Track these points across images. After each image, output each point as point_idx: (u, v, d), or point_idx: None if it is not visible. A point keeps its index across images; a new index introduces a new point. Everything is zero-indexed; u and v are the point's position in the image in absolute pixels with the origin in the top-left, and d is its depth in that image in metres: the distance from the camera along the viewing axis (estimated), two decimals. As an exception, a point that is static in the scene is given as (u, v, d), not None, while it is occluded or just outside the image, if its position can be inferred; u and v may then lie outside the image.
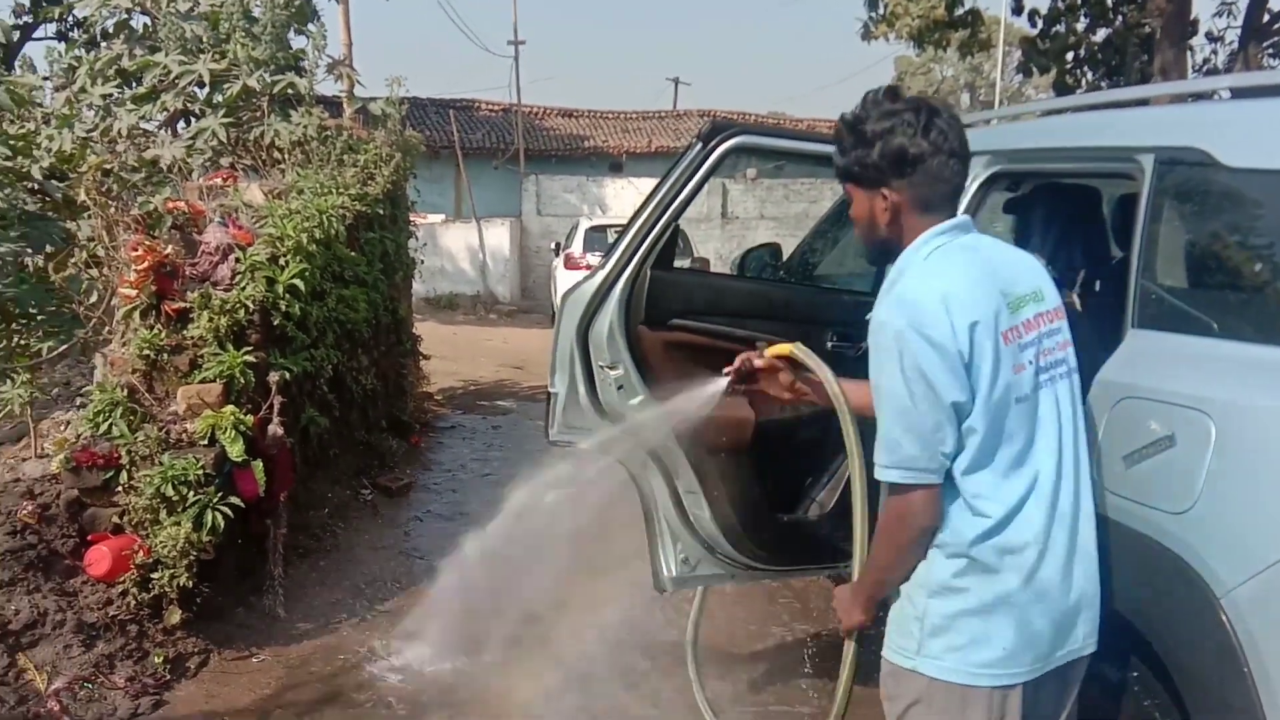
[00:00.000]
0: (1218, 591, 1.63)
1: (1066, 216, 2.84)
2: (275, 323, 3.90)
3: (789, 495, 3.07)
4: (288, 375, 3.86)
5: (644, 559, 2.91)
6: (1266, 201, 1.87)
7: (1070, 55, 16.45)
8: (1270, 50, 14.78)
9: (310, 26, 6.66)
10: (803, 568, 3.18)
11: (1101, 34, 15.92)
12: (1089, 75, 16.69)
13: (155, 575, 3.21)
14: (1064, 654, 1.68)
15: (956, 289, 1.59)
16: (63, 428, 4.80)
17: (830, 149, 1.84)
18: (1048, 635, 1.64)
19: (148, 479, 3.24)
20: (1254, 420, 1.66)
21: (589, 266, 12.35)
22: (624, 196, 18.77)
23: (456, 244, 17.48)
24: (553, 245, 15.78)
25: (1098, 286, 2.72)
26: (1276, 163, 1.85)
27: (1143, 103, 2.63)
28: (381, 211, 5.74)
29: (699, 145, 2.66)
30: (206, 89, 6.10)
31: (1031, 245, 2.80)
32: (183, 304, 3.67)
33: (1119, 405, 1.93)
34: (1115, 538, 1.86)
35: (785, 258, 4.20)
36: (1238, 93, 2.27)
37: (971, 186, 2.87)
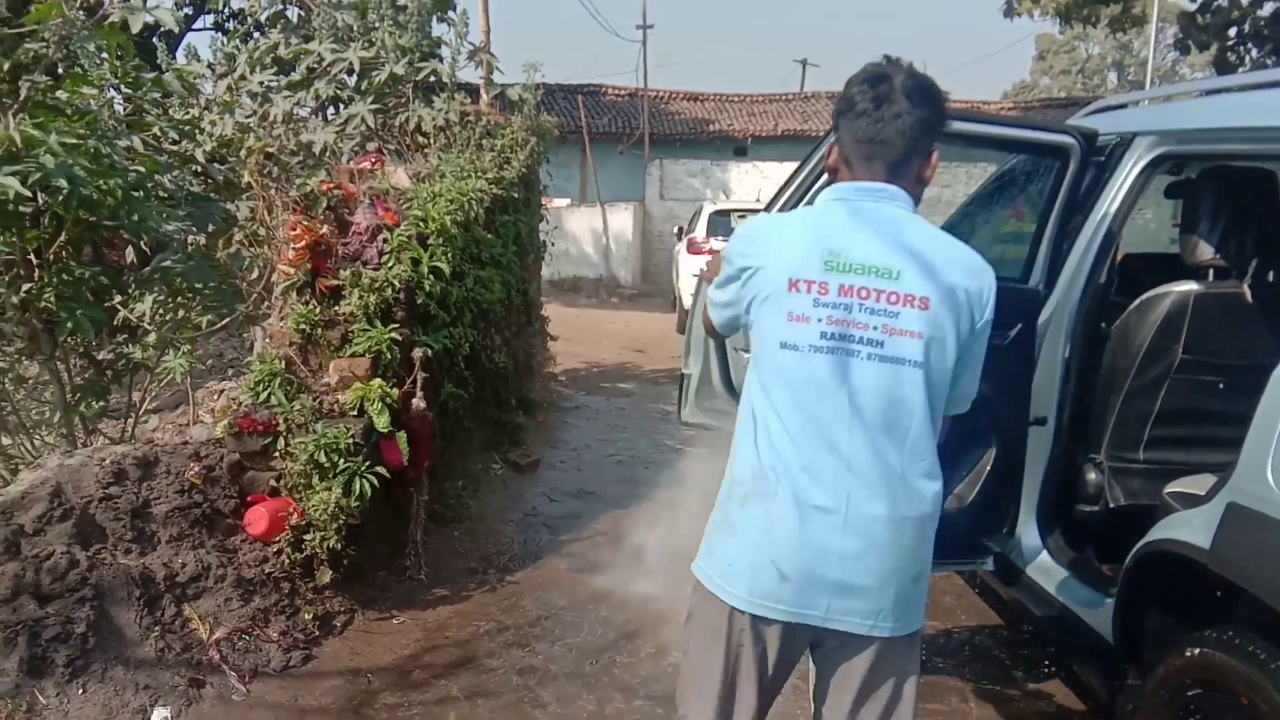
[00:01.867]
0: None
1: (1238, 202, 2.67)
2: (419, 301, 4.06)
3: None
4: (429, 352, 4.01)
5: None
6: None
7: (1233, 31, 15.39)
8: None
9: (452, 14, 6.86)
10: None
11: (1268, 8, 14.82)
12: (1253, 52, 15.58)
13: (308, 537, 3.40)
14: (823, 616, 1.68)
15: (777, 228, 1.76)
16: (216, 396, 5.14)
17: (1029, 133, 1.75)
18: (800, 590, 1.68)
19: (302, 446, 3.43)
20: None
21: (712, 251, 12.32)
22: (748, 181, 18.62)
23: (580, 228, 17.73)
24: (675, 230, 15.79)
25: (1271, 276, 2.56)
26: None
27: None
28: (516, 195, 5.88)
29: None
30: (356, 76, 6.37)
31: (1199, 231, 2.66)
32: (336, 281, 3.86)
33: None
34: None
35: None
36: None
37: (1134, 169, 2.75)
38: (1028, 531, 2.94)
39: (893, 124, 1.68)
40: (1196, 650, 2.03)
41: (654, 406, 7.56)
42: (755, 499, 1.71)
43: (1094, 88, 40.90)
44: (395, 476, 3.72)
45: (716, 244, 11.94)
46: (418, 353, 3.88)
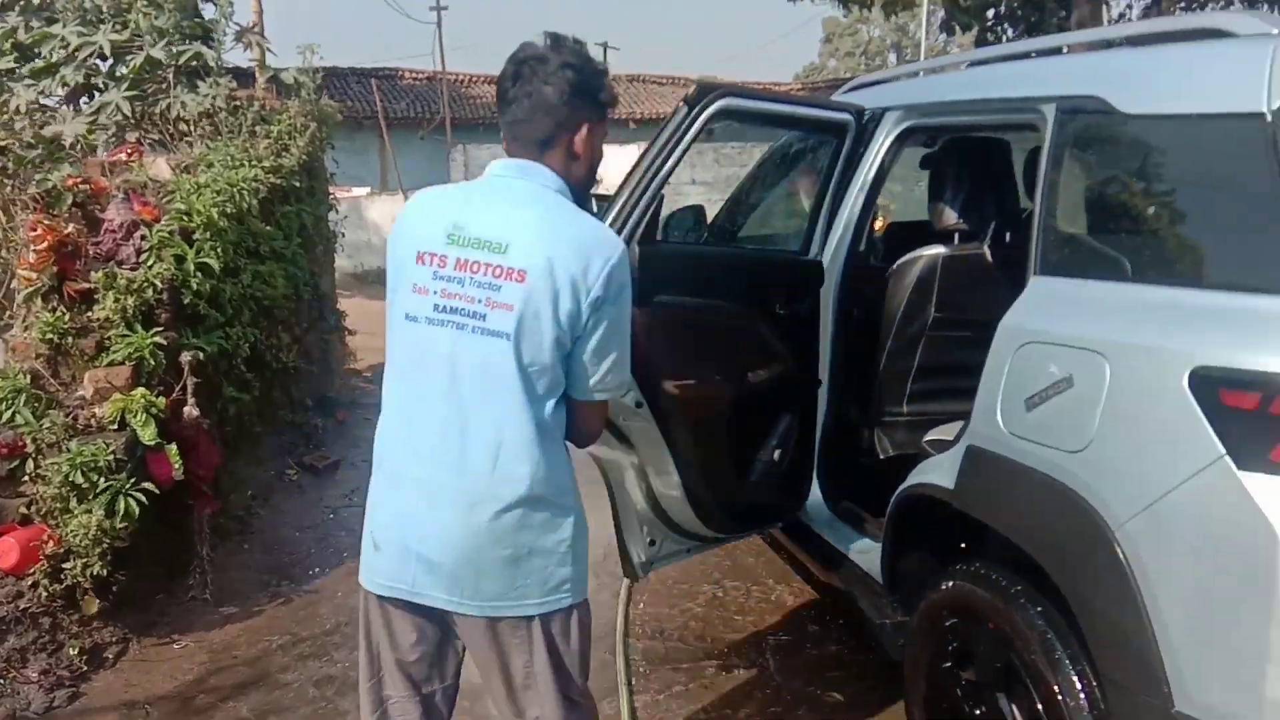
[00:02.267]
0: (1112, 524, 1.69)
1: (977, 170, 2.88)
2: (186, 301, 3.78)
3: (744, 461, 3.02)
4: (201, 355, 3.75)
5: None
6: (1160, 147, 1.92)
7: (990, 12, 16.68)
8: (1182, 3, 15.19)
9: (216, -8, 6.41)
10: (752, 530, 3.19)
11: (1022, -9, 16.16)
12: (1010, 32, 16.95)
13: (67, 565, 3.11)
14: (410, 590, 1.70)
15: (419, 204, 1.77)
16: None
17: (816, 111, 1.80)
18: (384, 557, 1.72)
19: (55, 467, 3.13)
20: (1144, 358, 1.71)
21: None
22: (554, 165, 18.58)
23: (383, 217, 17.10)
24: (482, 217, 15.55)
25: (1008, 238, 2.77)
26: (1170, 108, 1.89)
27: (1055, 52, 2.67)
28: (298, 184, 5.59)
29: (685, 109, 2.53)
30: (109, 61, 5.85)
31: (945, 199, 2.85)
32: (86, 285, 3.54)
33: (1021, 350, 1.97)
34: (1019, 479, 1.91)
35: (709, 220, 4.20)
36: (1134, 41, 2.31)
37: (885, 142, 2.91)
38: (811, 489, 3.08)
39: (525, 102, 1.69)
40: (950, 584, 2.18)
41: (463, 397, 7.42)
42: (374, 474, 1.76)
43: (876, 68, 43.45)
44: (171, 491, 3.46)
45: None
46: (186, 357, 3.62)
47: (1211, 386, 1.56)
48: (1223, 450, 1.53)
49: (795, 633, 3.42)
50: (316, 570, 3.99)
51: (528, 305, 1.61)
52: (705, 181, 19.35)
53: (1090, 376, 1.78)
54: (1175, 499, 1.59)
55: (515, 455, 1.65)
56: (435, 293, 1.65)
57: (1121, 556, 1.66)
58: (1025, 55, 2.56)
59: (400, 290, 1.70)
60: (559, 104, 1.69)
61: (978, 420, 2.06)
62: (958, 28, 17.49)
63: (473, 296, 1.63)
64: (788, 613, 3.59)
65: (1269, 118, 1.65)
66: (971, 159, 2.90)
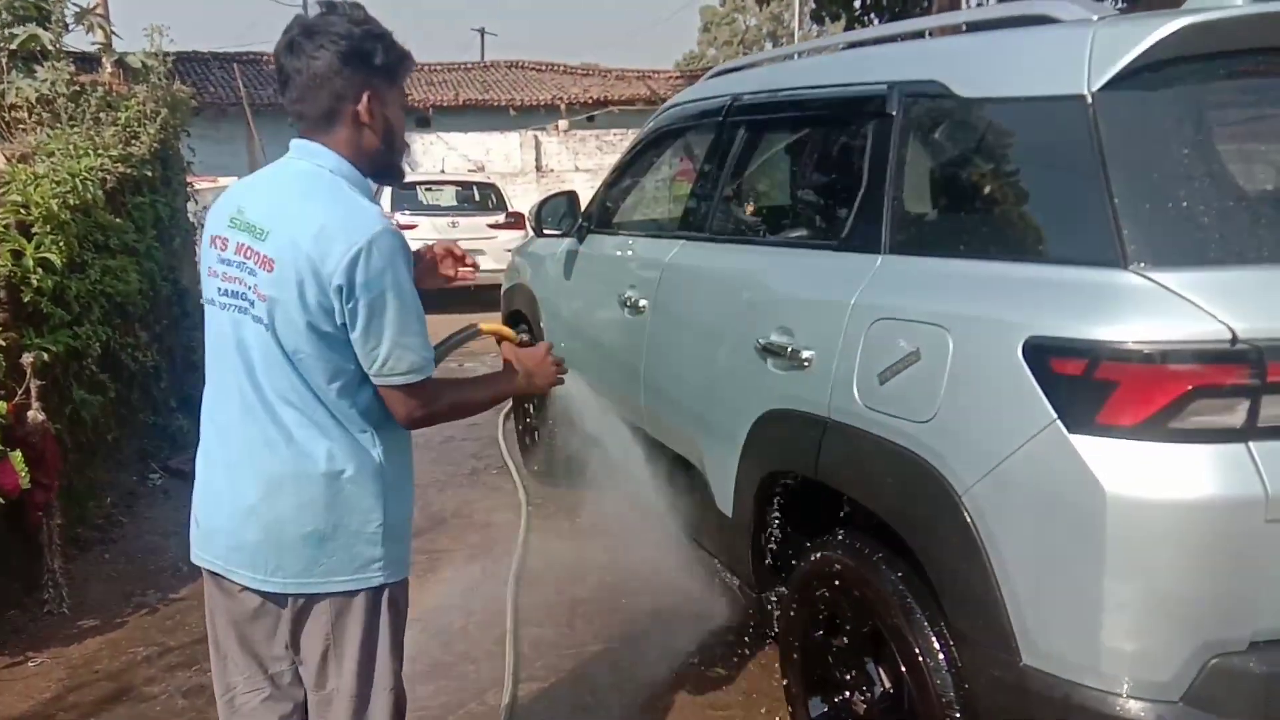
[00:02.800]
0: (959, 489, 1.77)
1: (820, 154, 2.96)
2: (26, 299, 3.54)
3: None
4: (46, 356, 3.52)
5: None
6: (994, 129, 2.01)
7: (858, 2, 17.16)
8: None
9: (53, -29, 6.00)
10: None
11: (887, -20, 16.65)
12: (876, 21, 17.49)
13: (-100, 585, 2.89)
14: (224, 566, 1.74)
15: (227, 189, 1.80)
16: None
17: None
18: (201, 533, 1.78)
19: (-119, 481, 2.90)
20: (983, 330, 1.80)
21: (400, 226, 11.92)
22: (433, 152, 18.24)
23: (254, 208, 16.47)
24: (360, 205, 15.11)
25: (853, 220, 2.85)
26: (1003, 91, 1.99)
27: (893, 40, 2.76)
28: (150, 173, 5.30)
29: None
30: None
31: (795, 182, 2.92)
32: (-90, 283, 3.28)
33: (873, 327, 2.05)
34: (874, 451, 1.99)
35: (583, 206, 4.21)
36: (973, 26, 2.42)
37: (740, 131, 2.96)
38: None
39: (298, 79, 1.65)
40: (817, 554, 2.26)
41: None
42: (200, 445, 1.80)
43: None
44: (18, 502, 3.24)
45: (402, 218, 11.58)
46: (28, 358, 3.39)
47: (1043, 355, 1.66)
48: (1054, 415, 1.63)
49: (681, 611, 3.47)
50: (184, 576, 3.81)
51: (277, 293, 1.59)
52: (588, 169, 19.35)
53: (935, 349, 1.87)
54: (1014, 463, 1.69)
55: (309, 436, 1.66)
56: (219, 276, 1.67)
57: (968, 519, 1.75)
58: (891, 39, 2.64)
59: (202, 274, 1.74)
60: (331, 75, 1.63)
61: (836, 396, 2.13)
62: (827, 18, 17.90)
63: (243, 280, 1.63)
64: (673, 592, 3.65)
65: (1089, 99, 1.75)
66: (814, 144, 2.96)
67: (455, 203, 13.33)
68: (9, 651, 3.17)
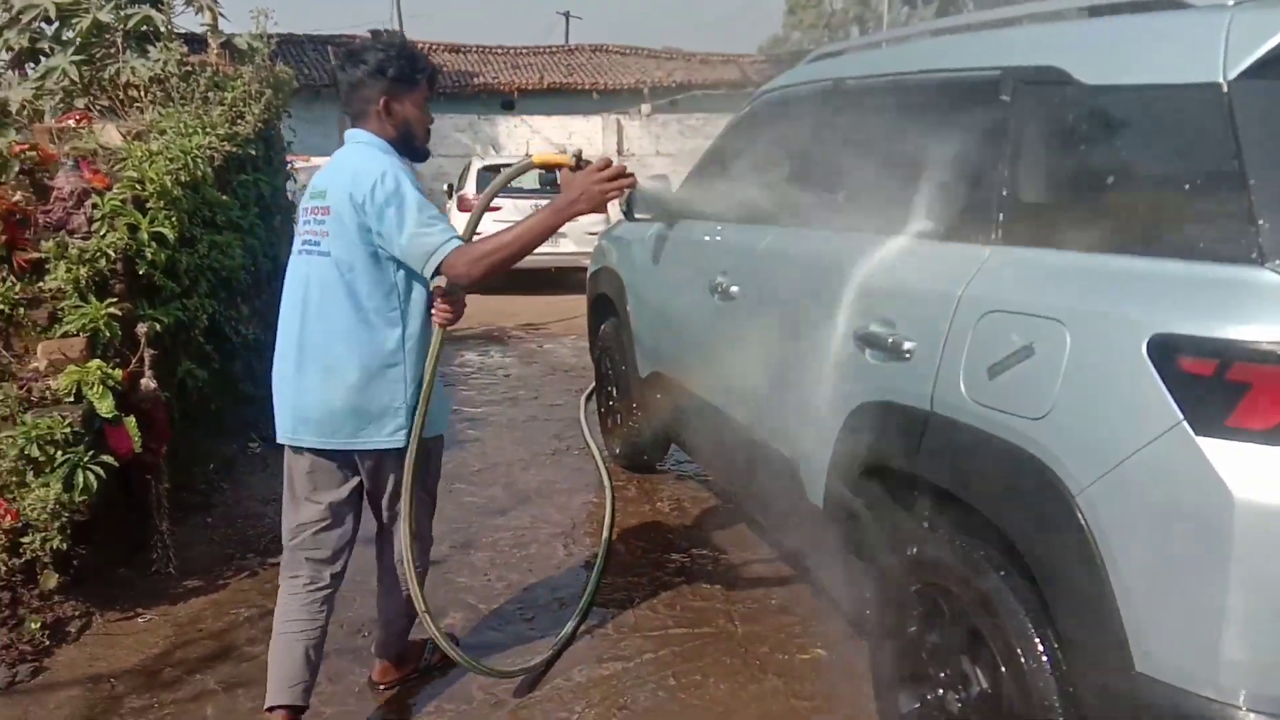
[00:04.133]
0: (1073, 490, 1.72)
1: (926, 141, 2.88)
2: (141, 272, 3.70)
3: None
4: (158, 326, 3.68)
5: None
6: (1119, 117, 1.94)
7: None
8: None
9: (166, -46, 6.22)
10: None
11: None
12: (970, 4, 17.02)
13: (25, 539, 3.05)
14: (292, 436, 2.48)
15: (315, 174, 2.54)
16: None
17: None
18: (281, 417, 2.49)
19: (10, 440, 3.06)
20: (1104, 326, 1.74)
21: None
22: (517, 135, 18.40)
23: (343, 188, 16.85)
24: (445, 187, 15.37)
25: (960, 210, 2.79)
26: (1131, 79, 1.92)
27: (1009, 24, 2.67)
28: (254, 152, 5.47)
29: None
30: (55, 24, 5.67)
31: (898, 169, 2.84)
32: (37, 254, 3.45)
33: (983, 320, 2.00)
34: (980, 446, 1.95)
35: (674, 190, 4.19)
36: (1094, 11, 2.33)
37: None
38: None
39: (341, 90, 2.48)
40: (913, 549, 2.23)
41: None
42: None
43: (839, 41, 43.45)
44: (130, 465, 3.40)
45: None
46: (143, 328, 3.55)
47: (1170, 354, 1.60)
48: (1180, 416, 1.57)
49: (765, 600, 3.47)
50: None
51: (334, 229, 2.33)
52: (669, 153, 19.30)
53: (1050, 344, 1.81)
54: (1134, 464, 1.63)
55: (347, 338, 2.36)
56: (301, 235, 2.44)
57: (1082, 521, 1.70)
58: (994, 25, 2.56)
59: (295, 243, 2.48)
60: (358, 85, 2.42)
61: (939, 390, 2.09)
62: (919, 1, 17.51)
63: (314, 231, 2.38)
64: (754, 580, 3.64)
65: (1225, 88, 1.67)
66: (922, 129, 2.89)
67: (538, 185, 13.45)
68: (120, 607, 3.33)
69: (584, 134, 18.97)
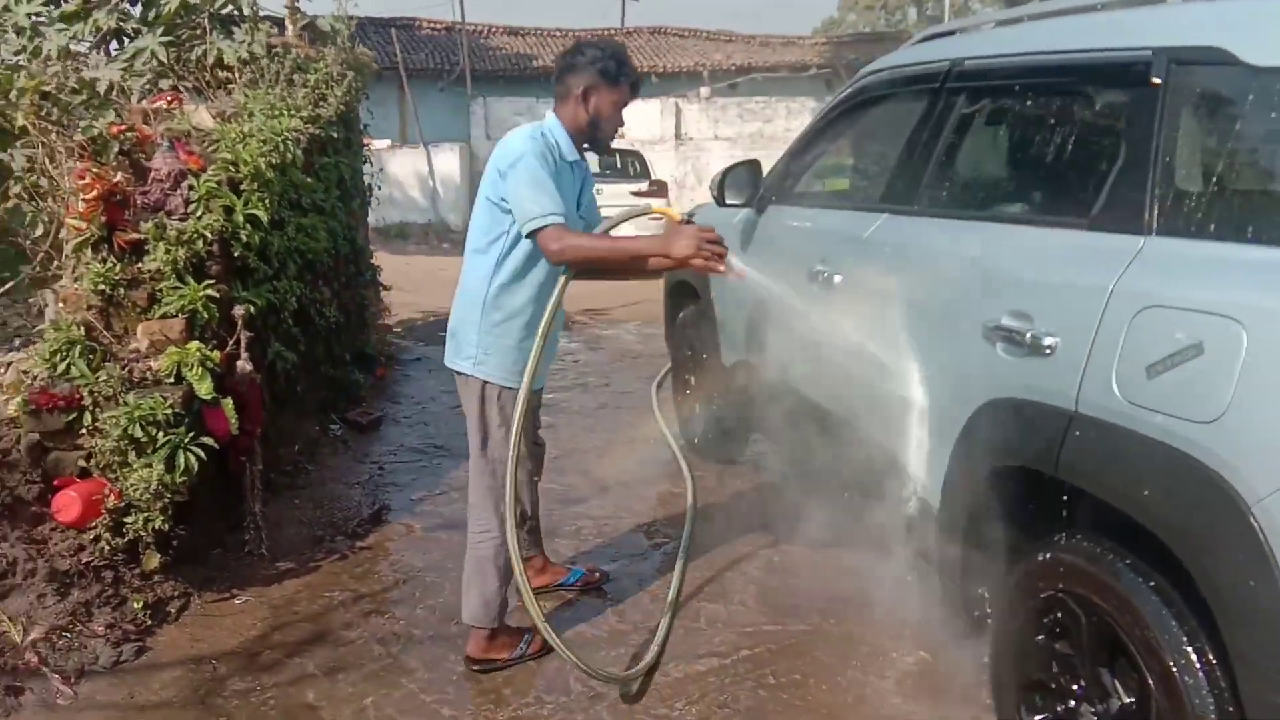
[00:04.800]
0: (1248, 499, 1.62)
1: (1061, 125, 2.76)
2: (236, 254, 3.71)
3: None
4: (252, 309, 3.69)
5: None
6: (1290, 101, 1.81)
7: (1024, -34, 16.28)
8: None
9: (247, -64, 6.25)
10: None
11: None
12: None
13: (128, 519, 3.08)
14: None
15: None
16: (3, 370, 4.57)
17: None
18: None
19: (113, 420, 3.09)
20: (1288, 326, 1.62)
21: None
22: (576, 118, 18.30)
23: (404, 170, 16.97)
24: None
25: (1106, 198, 2.66)
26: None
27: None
28: (336, 135, 5.48)
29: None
30: (140, 6, 5.72)
31: (1028, 155, 2.72)
32: (136, 235, 3.47)
33: (1140, 316, 1.89)
34: (1138, 450, 1.84)
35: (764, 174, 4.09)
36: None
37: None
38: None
39: (556, 73, 2.80)
40: (1048, 554, 2.13)
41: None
42: None
43: (896, 23, 42.68)
44: (224, 446, 3.42)
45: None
46: (239, 310, 3.56)
47: (1369, 356, 1.48)
48: (1378, 424, 1.46)
49: (855, 598, 3.38)
50: (369, 526, 3.97)
51: (483, 183, 2.75)
52: (728, 137, 19.10)
53: (1223, 343, 1.70)
54: (1321, 474, 1.52)
55: (467, 271, 2.81)
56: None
57: (1259, 533, 1.60)
58: (1136, 2, 2.43)
59: None
60: (565, 71, 2.76)
61: (1087, 389, 1.99)
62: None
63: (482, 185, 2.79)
64: (849, 574, 3.55)
65: None
66: (1059, 111, 2.77)
67: (598, 169, 13.39)
68: (217, 588, 3.35)
69: (642, 117, 18.84)
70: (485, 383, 2.75)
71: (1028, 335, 2.16)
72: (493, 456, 2.78)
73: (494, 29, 21.32)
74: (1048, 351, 2.10)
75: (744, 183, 4.06)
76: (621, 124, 2.84)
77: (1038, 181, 2.55)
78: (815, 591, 3.42)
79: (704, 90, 19.82)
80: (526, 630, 2.96)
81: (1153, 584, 1.87)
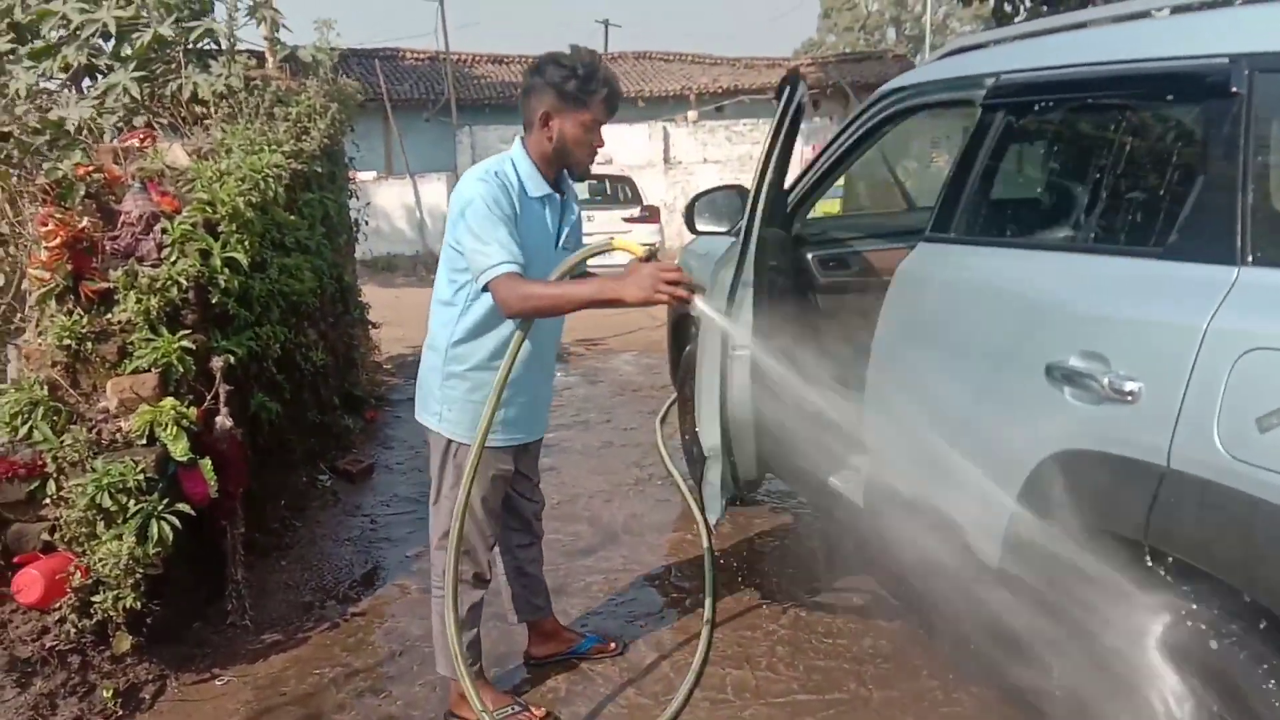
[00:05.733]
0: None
1: (1123, 141, 2.53)
2: (214, 300, 3.45)
3: None
4: (232, 359, 3.42)
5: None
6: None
7: (1008, -21, 16.19)
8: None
9: (224, -34, 6.03)
10: None
11: (1040, -40, 15.64)
12: (1026, 2, 16.48)
13: (97, 598, 2.80)
14: None
15: None
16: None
17: None
18: None
19: (80, 488, 2.81)
20: None
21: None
22: (563, 145, 18.15)
23: (391, 202, 16.76)
24: (493, 199, 15.18)
25: (1184, 223, 2.43)
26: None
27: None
28: (320, 169, 5.24)
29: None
30: (113, 40, 5.49)
31: (1086, 175, 2.49)
32: (105, 284, 3.21)
33: (1245, 359, 1.64)
34: (1250, 516, 1.60)
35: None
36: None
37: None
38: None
39: (520, 95, 2.53)
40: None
41: (491, 390, 7.11)
42: None
43: (875, 43, 43.00)
44: (203, 510, 3.14)
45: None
46: (218, 362, 3.29)
47: None
48: None
49: (895, 658, 3.12)
50: (362, 589, 3.68)
51: (446, 230, 2.48)
52: (716, 160, 18.97)
53: (1357, 392, 1.46)
54: None
55: (431, 319, 2.59)
56: None
57: None
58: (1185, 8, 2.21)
59: None
60: (525, 93, 2.46)
61: (1181, 442, 1.74)
62: (971, -3, 16.98)
63: None
64: (882, 634, 3.29)
65: None
66: (1119, 126, 2.54)
67: (588, 195, 13.19)
68: (196, 668, 3.06)
69: (629, 142, 18.70)
70: (449, 440, 2.57)
71: (1104, 380, 1.90)
72: (443, 510, 2.62)
73: (478, 58, 21.20)
74: (1130, 399, 1.85)
75: (722, 210, 3.85)
76: (599, 145, 2.51)
77: (1098, 204, 2.31)
78: (851, 653, 3.16)
79: (691, 114, 19.73)
80: (517, 701, 2.73)
81: (1265, 667, 1.62)
